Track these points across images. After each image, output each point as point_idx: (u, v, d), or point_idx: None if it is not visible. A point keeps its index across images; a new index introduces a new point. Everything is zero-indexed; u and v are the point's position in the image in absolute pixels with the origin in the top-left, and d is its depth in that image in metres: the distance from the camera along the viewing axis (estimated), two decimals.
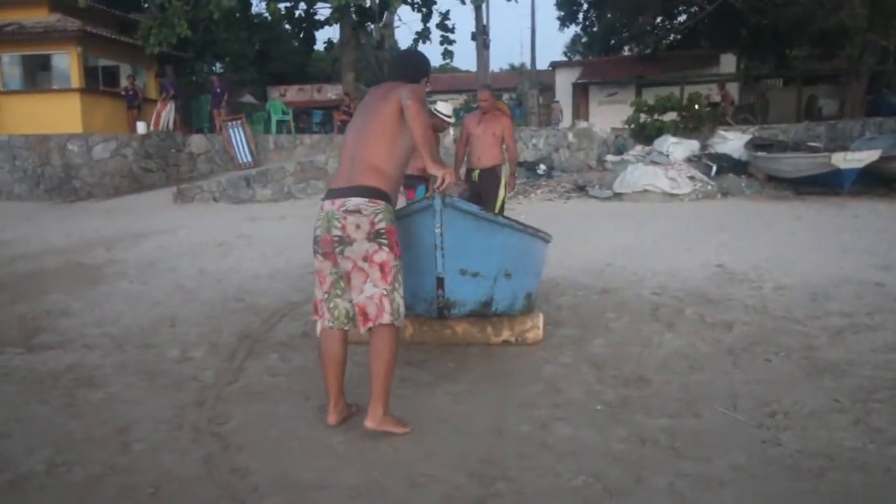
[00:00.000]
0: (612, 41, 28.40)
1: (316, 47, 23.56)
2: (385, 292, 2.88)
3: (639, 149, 14.84)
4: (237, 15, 17.41)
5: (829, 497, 2.42)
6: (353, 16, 18.62)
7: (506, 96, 33.21)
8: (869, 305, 4.82)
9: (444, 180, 2.85)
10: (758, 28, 20.02)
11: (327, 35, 21.42)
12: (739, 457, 2.71)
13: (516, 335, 4.19)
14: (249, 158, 15.94)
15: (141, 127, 16.06)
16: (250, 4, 17.57)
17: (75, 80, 16.30)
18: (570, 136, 15.85)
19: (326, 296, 3.01)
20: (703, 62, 23.34)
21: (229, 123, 16.13)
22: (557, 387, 3.54)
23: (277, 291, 5.78)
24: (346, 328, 3.03)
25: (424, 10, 19.21)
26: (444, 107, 5.98)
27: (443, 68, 46.24)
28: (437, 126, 6.00)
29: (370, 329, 2.90)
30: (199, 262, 7.02)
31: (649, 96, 17.52)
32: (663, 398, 3.35)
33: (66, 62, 16.35)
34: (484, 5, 19.62)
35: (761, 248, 7.01)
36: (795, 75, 21.89)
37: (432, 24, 19.20)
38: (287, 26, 20.36)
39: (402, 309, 2.95)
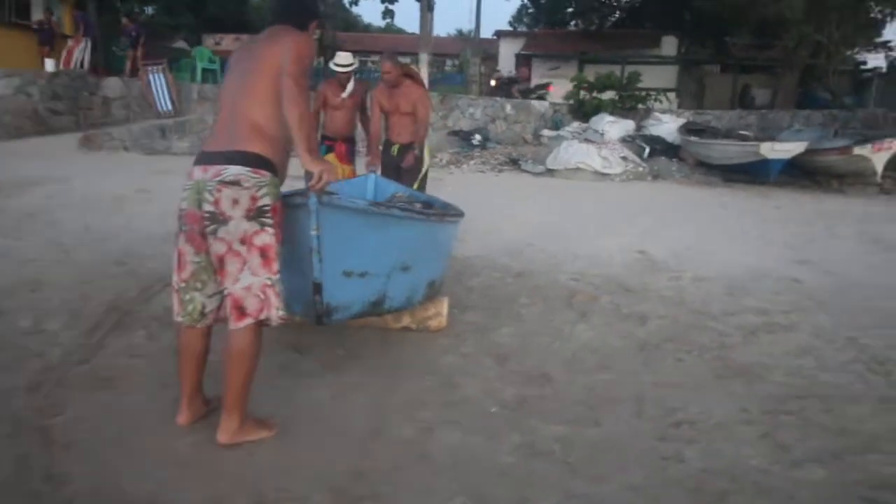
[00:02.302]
0: (558, 14, 28.08)
1: None
2: (269, 281, 2.43)
3: (575, 125, 14.65)
4: None
5: None
6: None
7: (449, 62, 32.68)
8: (785, 303, 4.68)
9: (320, 178, 2.41)
10: (700, 12, 20.04)
11: None
12: (637, 475, 2.45)
13: (417, 322, 3.84)
14: (170, 107, 14.95)
15: (49, 64, 14.79)
16: None
17: None
18: (508, 108, 15.52)
19: (184, 285, 2.53)
20: (645, 42, 23.31)
21: (149, 69, 15.06)
22: (453, 381, 3.21)
23: (167, 256, 5.15)
24: (199, 325, 2.57)
25: None
26: (342, 58, 5.72)
27: (388, 28, 45.24)
28: (341, 80, 5.77)
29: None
30: (86, 217, 6.37)
31: (591, 73, 17.34)
32: (564, 400, 3.06)
33: None
34: None
35: (684, 236, 6.86)
36: (732, 62, 22.09)
37: None
38: None
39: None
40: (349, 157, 5.93)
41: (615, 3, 27.25)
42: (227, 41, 30.54)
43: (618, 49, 22.13)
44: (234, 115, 2.47)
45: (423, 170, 5.51)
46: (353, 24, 42.85)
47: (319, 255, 2.63)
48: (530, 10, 30.74)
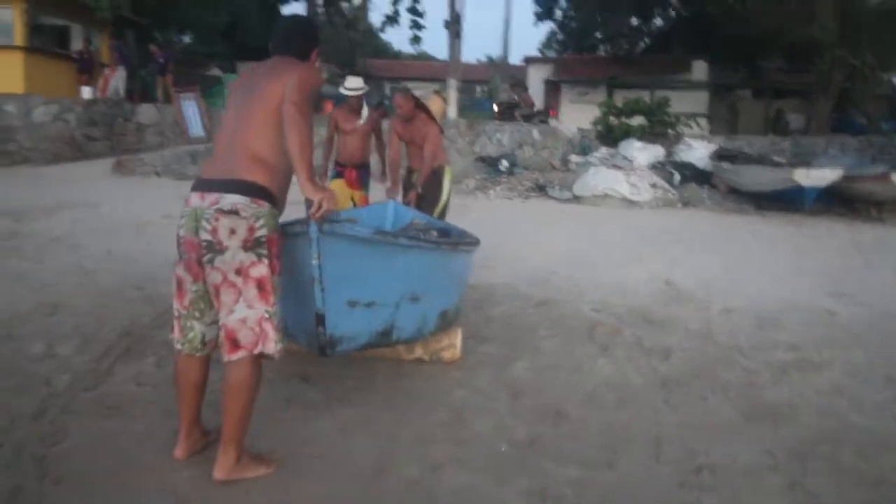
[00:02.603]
0: (587, 40, 28.08)
1: None
2: (266, 314, 2.36)
3: (603, 151, 14.49)
4: None
5: None
6: None
7: (478, 88, 32.84)
8: (818, 337, 4.47)
9: (320, 206, 2.36)
10: (730, 37, 19.84)
11: (296, 11, 20.51)
12: None
13: (430, 353, 3.74)
14: (202, 132, 15.20)
15: (86, 92, 15.19)
16: None
17: (18, 38, 15.30)
18: (536, 134, 15.44)
19: (185, 312, 2.48)
20: (675, 67, 23.11)
21: (182, 95, 15.36)
22: (464, 417, 3.10)
23: None
24: (198, 354, 2.52)
25: None
26: (352, 81, 5.76)
27: (420, 55, 45.72)
28: (352, 104, 5.78)
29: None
30: (110, 242, 6.42)
31: (620, 98, 17.23)
32: (580, 440, 2.92)
33: (10, 17, 15.35)
34: None
35: (714, 265, 6.66)
36: (765, 87, 21.78)
37: (403, 7, 18.59)
38: None
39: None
40: (360, 183, 5.88)
41: (644, 29, 27.17)
42: None
43: (647, 74, 21.98)
44: (234, 143, 2.43)
45: (443, 198, 5.55)
46: (383, 51, 43.44)
47: (321, 285, 2.55)
48: (559, 37, 30.80)
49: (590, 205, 11.29)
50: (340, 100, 6.42)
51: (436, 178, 5.53)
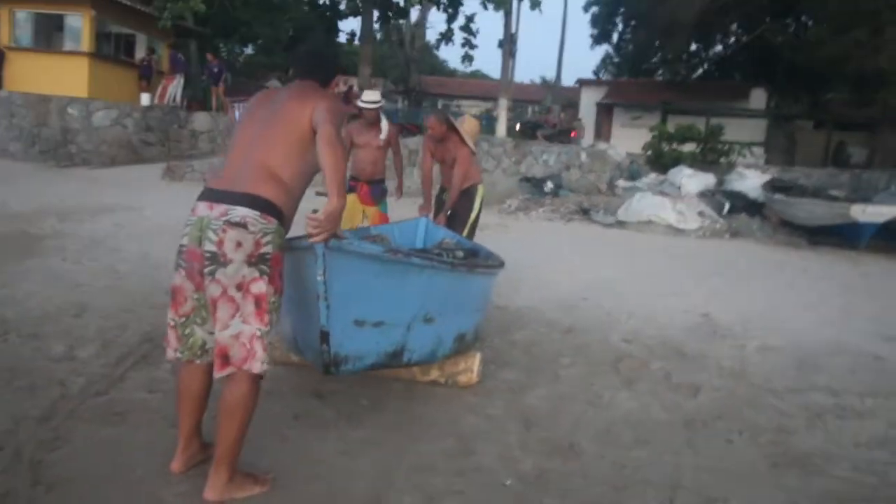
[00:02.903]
0: (643, 64, 27.75)
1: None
2: (259, 332, 2.33)
3: (652, 177, 14.24)
4: None
5: None
6: (376, 9, 18.20)
7: (531, 109, 32.79)
8: (862, 384, 4.21)
9: (319, 224, 2.24)
10: (793, 66, 19.33)
11: (352, 27, 20.87)
12: None
13: (446, 376, 3.64)
14: None
15: (145, 98, 15.68)
16: None
17: (86, 44, 15.93)
18: (583, 156, 15.24)
19: (183, 320, 2.44)
20: (732, 94, 22.65)
21: (236, 104, 15.71)
22: (471, 446, 2.98)
23: None
24: (199, 361, 2.47)
25: (450, 10, 18.70)
26: (369, 95, 5.62)
27: (474, 73, 45.93)
28: (368, 118, 5.58)
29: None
30: (147, 245, 6.53)
31: (673, 124, 16.92)
32: (589, 478, 2.78)
33: (79, 24, 16.00)
34: (514, 14, 19.11)
35: (757, 300, 6.39)
36: (826, 118, 21.11)
37: (457, 25, 18.69)
38: (308, 12, 19.90)
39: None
40: (374, 198, 5.71)
41: (703, 55, 26.70)
42: None
43: (703, 100, 21.58)
44: (249, 158, 2.41)
45: (472, 216, 5.53)
46: (439, 69, 43.83)
47: (327, 302, 2.49)
48: (615, 60, 30.54)
49: (633, 230, 11.04)
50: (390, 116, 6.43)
51: (467, 197, 5.53)
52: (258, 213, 2.30)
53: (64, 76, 15.58)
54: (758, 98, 22.55)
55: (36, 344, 3.79)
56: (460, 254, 4.18)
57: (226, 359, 2.31)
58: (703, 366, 4.37)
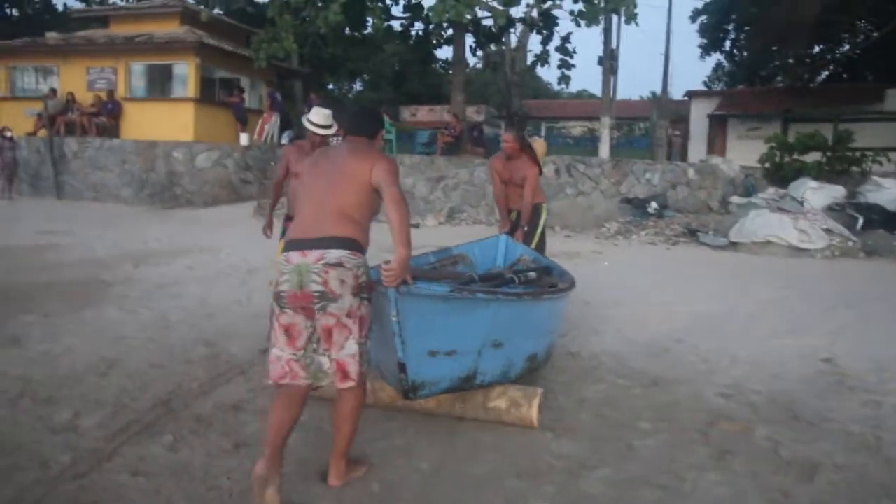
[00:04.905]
0: (760, 71, 25.83)
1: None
2: (363, 348, 2.76)
3: (771, 191, 12.85)
4: (346, 31, 17.11)
5: None
6: (471, 35, 17.91)
7: (638, 126, 31.43)
8: None
9: (392, 274, 2.59)
10: None
11: (448, 56, 20.69)
12: None
13: (507, 409, 3.45)
14: None
15: (244, 138, 16.10)
16: (365, 21, 17.18)
17: (191, 90, 16.63)
18: (691, 173, 14.04)
19: (302, 352, 2.72)
20: (863, 97, 20.44)
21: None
22: None
23: (260, 337, 4.82)
24: (322, 384, 2.77)
25: (545, 32, 18.08)
26: (318, 115, 4.48)
27: (579, 93, 44.89)
28: (314, 142, 4.51)
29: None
30: (210, 290, 6.32)
31: (795, 133, 15.37)
32: None
33: (185, 72, 16.74)
34: (614, 30, 18.24)
35: (895, 339, 5.26)
36: None
37: (552, 46, 18.04)
38: (400, 44, 19.91)
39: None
40: None
41: (828, 56, 24.49)
42: (422, 112, 32.16)
43: (830, 105, 19.58)
44: (327, 207, 2.77)
45: (538, 231, 5.54)
46: (543, 92, 43.16)
47: (402, 339, 2.84)
48: (728, 69, 28.71)
49: (748, 253, 9.86)
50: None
51: (534, 213, 5.54)
52: (348, 251, 2.72)
53: (172, 122, 16.32)
54: (894, 99, 20.25)
55: (45, 410, 3.50)
56: (532, 274, 4.35)
57: (346, 374, 2.71)
58: (824, 432, 3.47)
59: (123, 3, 26.64)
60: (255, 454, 2.98)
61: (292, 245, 2.74)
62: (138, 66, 17.40)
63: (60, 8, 29.08)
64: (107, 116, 16.71)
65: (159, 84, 17.76)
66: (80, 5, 28.08)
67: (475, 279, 4.02)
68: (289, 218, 4.60)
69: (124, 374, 4.09)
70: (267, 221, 5.19)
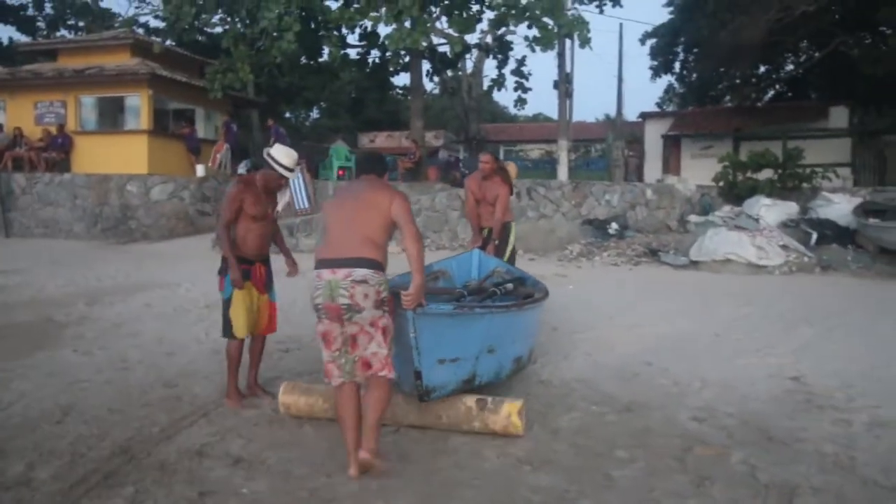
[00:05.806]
0: (710, 91, 26.53)
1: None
2: (387, 352, 3.26)
3: (727, 209, 13.11)
4: (302, 60, 17.04)
5: None
6: (427, 61, 18.03)
7: (594, 148, 31.94)
8: None
9: (412, 299, 3.22)
10: (874, 79, 17.87)
11: (405, 82, 20.84)
12: None
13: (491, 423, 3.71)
14: (307, 204, 15.26)
15: (199, 170, 15.82)
16: (321, 49, 17.15)
17: (144, 122, 16.33)
18: (649, 193, 14.28)
19: (337, 353, 3.27)
20: (809, 115, 21.12)
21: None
22: None
23: (222, 374, 4.63)
24: (357, 380, 3.27)
25: (500, 56, 18.31)
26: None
27: (535, 117, 45.50)
28: (269, 180, 4.21)
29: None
30: (167, 328, 6.12)
31: (746, 151, 15.75)
32: None
33: (138, 104, 16.44)
34: (568, 54, 18.54)
35: (860, 354, 5.33)
36: None
37: (508, 70, 18.26)
38: (356, 72, 19.90)
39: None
40: (267, 283, 4.40)
41: (773, 76, 25.30)
42: (381, 139, 32.14)
43: (778, 124, 20.19)
44: (353, 231, 3.29)
45: (508, 248, 6.07)
46: (500, 115, 43.61)
47: (418, 351, 3.39)
48: (678, 90, 29.43)
49: (709, 271, 10.02)
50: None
51: (504, 231, 6.04)
52: (372, 270, 3.22)
53: (125, 154, 15.98)
54: (838, 116, 20.95)
55: None
56: (510, 286, 4.90)
57: (367, 366, 3.24)
58: (798, 453, 3.48)
59: (72, 36, 26.19)
60: (222, 503, 2.85)
61: (323, 263, 3.25)
62: (89, 99, 17.03)
63: (6, 42, 28.36)
64: (57, 151, 16.28)
65: (111, 116, 17.41)
66: (26, 39, 27.42)
67: (465, 294, 4.67)
68: (242, 260, 4.20)
69: (81, 420, 3.90)
70: (237, 274, 4.15)
